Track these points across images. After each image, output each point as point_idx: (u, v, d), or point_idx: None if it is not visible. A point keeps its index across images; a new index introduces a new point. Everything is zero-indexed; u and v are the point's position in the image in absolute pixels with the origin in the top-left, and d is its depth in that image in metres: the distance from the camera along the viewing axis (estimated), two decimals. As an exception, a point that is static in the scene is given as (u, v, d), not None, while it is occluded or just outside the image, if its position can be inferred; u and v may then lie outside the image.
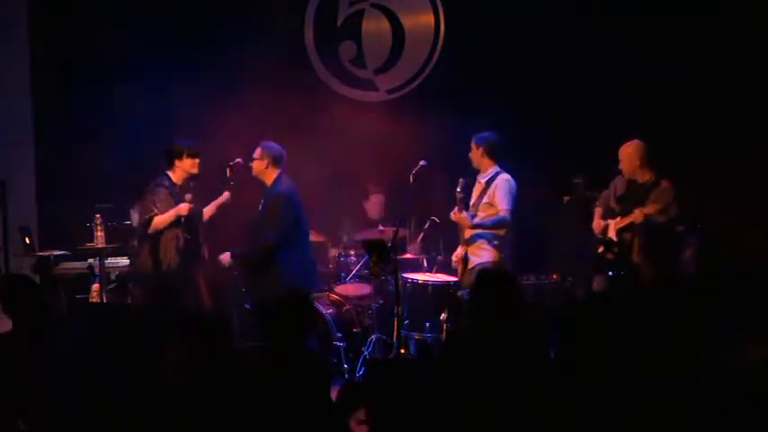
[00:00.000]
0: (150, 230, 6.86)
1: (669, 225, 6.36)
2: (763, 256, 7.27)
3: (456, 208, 6.97)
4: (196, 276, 7.04)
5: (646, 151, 6.68)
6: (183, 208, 6.90)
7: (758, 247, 7.31)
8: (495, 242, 6.94)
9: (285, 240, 6.85)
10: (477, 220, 6.95)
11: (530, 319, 4.06)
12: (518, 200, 6.93)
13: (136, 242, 7.18)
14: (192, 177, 7.05)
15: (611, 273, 6.48)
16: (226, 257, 7.01)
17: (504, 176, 6.97)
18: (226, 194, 7.21)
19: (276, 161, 7.00)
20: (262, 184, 7.02)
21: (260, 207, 6.99)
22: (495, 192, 6.94)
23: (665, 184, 6.64)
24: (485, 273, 4.76)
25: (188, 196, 6.98)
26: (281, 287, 6.35)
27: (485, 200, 6.99)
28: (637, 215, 6.43)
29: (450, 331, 6.91)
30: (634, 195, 6.68)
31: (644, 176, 6.69)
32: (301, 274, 6.88)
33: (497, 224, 6.93)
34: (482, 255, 6.92)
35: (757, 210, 7.52)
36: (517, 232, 7.05)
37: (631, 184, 6.74)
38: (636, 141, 6.72)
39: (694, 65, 7.81)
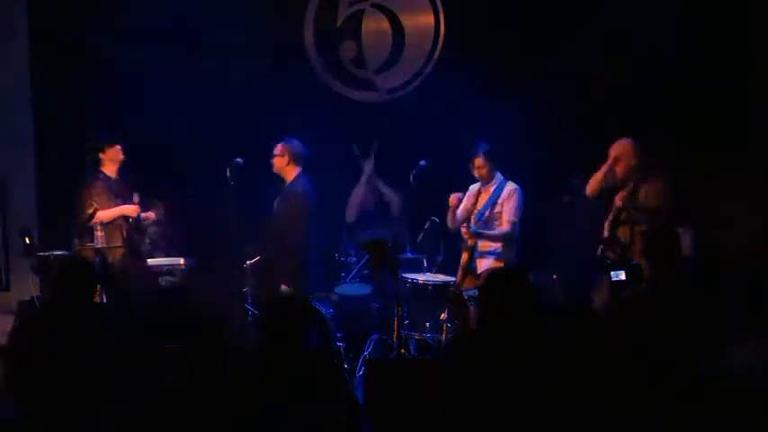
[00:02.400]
0: (92, 223, 7.15)
1: (667, 224, 6.35)
2: (763, 255, 7.27)
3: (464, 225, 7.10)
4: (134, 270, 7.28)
5: (640, 150, 6.71)
6: (132, 210, 7.22)
7: (758, 247, 7.32)
8: (501, 251, 7.07)
9: (309, 239, 7.01)
10: (482, 230, 7.10)
11: (538, 320, 4.04)
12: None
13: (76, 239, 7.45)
14: (122, 165, 7.37)
15: (617, 273, 6.47)
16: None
17: (514, 186, 7.13)
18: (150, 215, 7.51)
19: (297, 158, 7.19)
20: (281, 181, 7.15)
21: (275, 205, 7.09)
22: (507, 201, 7.09)
23: (654, 180, 6.65)
24: (496, 271, 4.76)
25: (136, 197, 7.25)
26: (290, 288, 6.49)
27: (495, 209, 7.10)
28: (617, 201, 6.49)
29: (455, 331, 6.93)
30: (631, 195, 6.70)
31: (633, 175, 6.69)
32: (310, 275, 6.99)
33: (500, 238, 7.08)
34: (490, 260, 7.05)
35: (758, 209, 7.53)
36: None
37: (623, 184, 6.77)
38: (630, 139, 6.74)
39: (695, 63, 7.81)
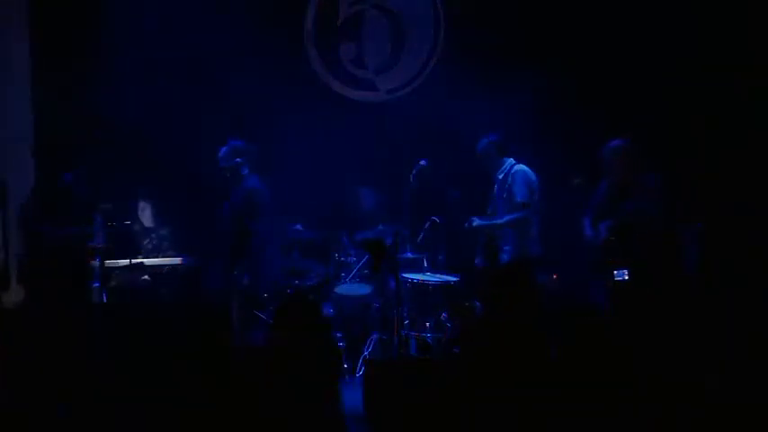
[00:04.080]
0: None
1: (668, 224, 6.38)
2: (762, 255, 7.28)
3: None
4: None
5: (632, 151, 6.71)
6: None
7: (758, 246, 7.32)
8: (516, 239, 7.03)
9: (268, 235, 7.06)
10: (495, 219, 7.11)
11: (535, 318, 4.05)
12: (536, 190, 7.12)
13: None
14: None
15: (620, 272, 6.48)
16: None
17: (520, 166, 7.11)
18: None
19: (245, 158, 7.29)
20: (233, 180, 7.28)
21: (230, 202, 7.25)
22: (512, 183, 7.06)
23: (647, 181, 6.66)
24: (499, 271, 4.75)
25: None
26: (263, 279, 6.93)
27: (504, 194, 7.11)
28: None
29: (458, 331, 6.93)
30: (618, 196, 6.71)
31: (626, 176, 6.70)
32: (269, 271, 7.11)
33: (511, 222, 7.02)
34: (508, 248, 7.05)
35: (757, 208, 7.54)
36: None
37: (612, 186, 6.78)
38: (622, 141, 6.76)
39: (695, 63, 7.82)
